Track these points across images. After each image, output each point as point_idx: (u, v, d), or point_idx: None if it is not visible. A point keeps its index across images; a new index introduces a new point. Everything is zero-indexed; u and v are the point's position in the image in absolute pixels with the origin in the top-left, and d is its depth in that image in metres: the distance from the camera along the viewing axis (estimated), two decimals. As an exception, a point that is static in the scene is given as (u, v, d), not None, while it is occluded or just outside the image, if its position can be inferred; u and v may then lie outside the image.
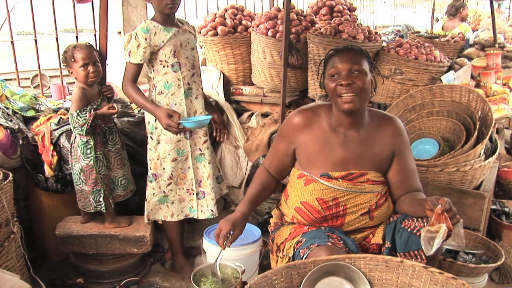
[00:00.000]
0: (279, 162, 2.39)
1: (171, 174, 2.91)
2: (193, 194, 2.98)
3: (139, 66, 2.79)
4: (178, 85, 2.83)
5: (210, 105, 3.14)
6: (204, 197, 3.00)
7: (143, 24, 2.75)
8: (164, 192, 2.94)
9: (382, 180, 2.26)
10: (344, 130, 2.22)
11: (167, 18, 2.79)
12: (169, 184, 2.93)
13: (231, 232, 2.14)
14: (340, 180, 2.18)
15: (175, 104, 2.84)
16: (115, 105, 2.89)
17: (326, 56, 2.26)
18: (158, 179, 2.93)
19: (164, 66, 2.80)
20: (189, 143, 2.89)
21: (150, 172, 2.94)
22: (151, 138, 2.90)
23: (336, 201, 2.18)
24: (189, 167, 2.94)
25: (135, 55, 2.73)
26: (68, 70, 2.90)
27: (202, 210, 3.01)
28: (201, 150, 2.95)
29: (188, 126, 2.76)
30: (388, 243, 2.19)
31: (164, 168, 2.91)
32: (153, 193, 2.95)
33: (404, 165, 2.25)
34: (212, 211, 3.01)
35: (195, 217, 3.02)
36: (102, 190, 2.93)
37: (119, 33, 4.58)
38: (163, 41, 2.75)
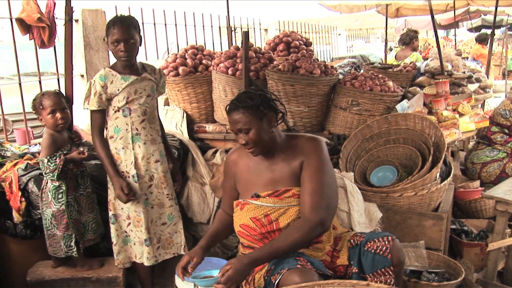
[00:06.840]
0: (230, 199, 2.63)
1: (128, 214, 2.95)
2: (143, 243, 2.99)
3: (101, 113, 2.85)
4: (126, 129, 2.88)
5: (170, 154, 3.18)
6: (150, 244, 3.00)
7: (101, 72, 2.83)
8: (126, 232, 2.99)
9: None
10: (267, 157, 2.47)
11: (126, 65, 2.85)
12: (129, 224, 2.97)
13: (191, 262, 2.32)
14: (268, 198, 2.40)
15: (123, 148, 2.88)
16: (85, 150, 2.93)
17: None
18: (119, 219, 2.97)
19: (115, 111, 2.87)
20: (138, 187, 2.91)
21: (110, 213, 2.96)
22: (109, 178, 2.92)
23: (268, 218, 2.38)
24: (142, 211, 2.95)
25: (92, 101, 2.80)
26: (38, 118, 2.94)
27: (148, 258, 2.99)
28: (146, 195, 2.98)
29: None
30: (355, 268, 2.32)
31: (122, 208, 2.95)
32: (117, 234, 2.98)
33: (305, 174, 2.38)
34: (155, 257, 3.03)
35: (146, 264, 3.01)
36: (73, 235, 2.93)
37: (82, 76, 4.63)
38: (118, 89, 2.82)
